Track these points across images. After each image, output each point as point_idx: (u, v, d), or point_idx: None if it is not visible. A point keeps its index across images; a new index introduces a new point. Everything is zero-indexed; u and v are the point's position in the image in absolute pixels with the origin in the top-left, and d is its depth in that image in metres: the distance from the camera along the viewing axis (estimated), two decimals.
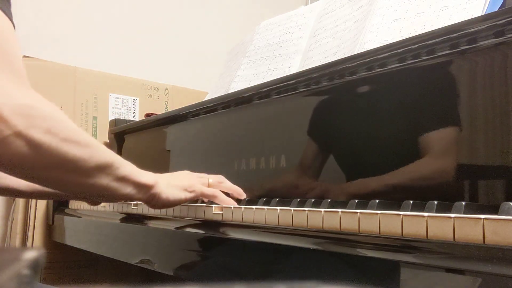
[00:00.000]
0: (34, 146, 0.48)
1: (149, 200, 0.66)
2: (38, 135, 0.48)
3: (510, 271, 0.35)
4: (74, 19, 1.78)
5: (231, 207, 0.68)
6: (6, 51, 0.49)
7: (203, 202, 0.79)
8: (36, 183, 0.61)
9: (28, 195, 0.87)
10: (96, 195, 0.64)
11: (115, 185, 0.59)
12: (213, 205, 0.72)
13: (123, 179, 0.60)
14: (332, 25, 0.93)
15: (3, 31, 0.49)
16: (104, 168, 0.57)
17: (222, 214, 0.69)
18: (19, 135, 0.46)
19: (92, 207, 1.09)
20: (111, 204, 1.01)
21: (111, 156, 0.58)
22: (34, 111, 0.48)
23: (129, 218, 0.92)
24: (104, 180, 0.57)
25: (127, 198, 0.65)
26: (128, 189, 0.62)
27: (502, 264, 0.35)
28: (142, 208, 0.89)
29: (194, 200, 0.77)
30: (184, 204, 0.77)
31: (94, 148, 0.56)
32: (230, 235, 0.65)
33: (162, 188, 0.66)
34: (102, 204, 1.05)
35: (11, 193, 0.87)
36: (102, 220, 1.04)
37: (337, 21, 0.93)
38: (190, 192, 0.71)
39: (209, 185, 0.76)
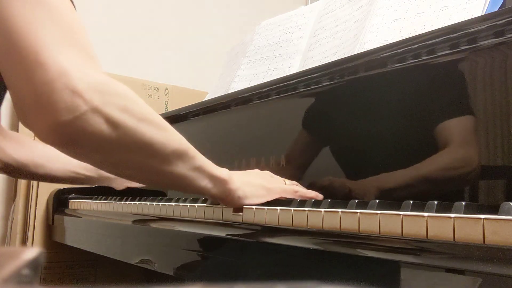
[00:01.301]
0: (112, 123, 0.47)
1: (225, 196, 0.63)
2: (115, 112, 0.47)
3: (510, 271, 0.35)
4: None
5: (231, 207, 0.68)
6: (76, 32, 0.48)
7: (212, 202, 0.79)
8: (116, 171, 0.59)
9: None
10: (174, 185, 0.62)
11: (193, 175, 0.58)
12: (214, 205, 0.71)
13: (199, 169, 0.58)
14: (332, 25, 0.93)
15: (69, 14, 0.49)
16: (181, 155, 0.56)
17: (222, 214, 0.69)
18: (96, 110, 0.45)
19: (91, 207, 1.09)
20: (110, 204, 1.01)
21: (186, 143, 0.57)
22: (109, 88, 0.48)
23: (129, 218, 0.92)
24: (182, 169, 0.56)
25: (203, 192, 0.62)
26: (205, 182, 0.60)
27: (502, 264, 0.35)
28: (142, 208, 0.89)
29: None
30: (184, 204, 0.77)
31: (171, 133, 0.55)
32: (230, 235, 0.65)
33: (238, 184, 0.63)
34: (101, 204, 1.05)
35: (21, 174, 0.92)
36: (102, 220, 1.04)
37: (337, 21, 0.93)
38: (269, 190, 0.66)
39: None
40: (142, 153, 0.52)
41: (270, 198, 0.67)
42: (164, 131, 0.54)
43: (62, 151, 0.49)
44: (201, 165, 0.59)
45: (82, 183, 1.04)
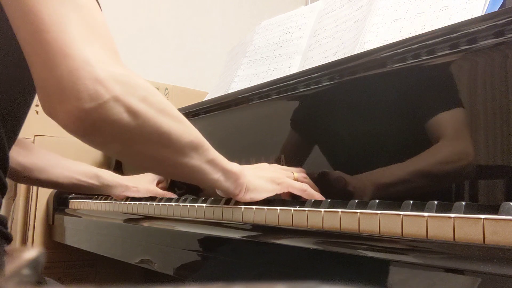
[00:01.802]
0: (132, 113, 0.49)
1: (237, 190, 0.64)
2: (136, 102, 0.49)
3: (510, 271, 0.35)
4: None
5: (230, 207, 0.68)
6: (100, 28, 0.50)
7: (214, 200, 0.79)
8: (133, 162, 0.62)
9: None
10: (188, 177, 0.64)
11: (206, 167, 0.59)
12: (213, 205, 0.71)
13: (213, 162, 0.60)
14: (332, 25, 0.93)
15: (94, 11, 0.50)
16: (196, 147, 0.57)
17: (222, 213, 0.69)
18: (117, 99, 0.47)
19: (91, 206, 1.09)
20: (111, 204, 1.01)
21: (201, 137, 0.58)
22: (130, 80, 0.49)
23: (129, 218, 0.92)
24: (197, 161, 0.58)
25: (215, 185, 0.63)
26: (217, 175, 0.61)
27: (502, 264, 0.35)
28: (142, 208, 0.89)
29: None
30: (184, 204, 0.77)
31: (187, 125, 0.56)
32: (230, 235, 0.65)
33: (249, 178, 0.65)
34: (101, 204, 1.05)
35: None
36: (102, 220, 1.04)
37: (337, 21, 0.93)
38: (278, 184, 0.68)
39: (294, 179, 0.72)
40: (160, 143, 0.53)
41: (279, 192, 0.68)
42: (181, 123, 0.55)
43: (83, 141, 0.50)
44: (214, 159, 0.60)
45: (83, 191, 1.05)
